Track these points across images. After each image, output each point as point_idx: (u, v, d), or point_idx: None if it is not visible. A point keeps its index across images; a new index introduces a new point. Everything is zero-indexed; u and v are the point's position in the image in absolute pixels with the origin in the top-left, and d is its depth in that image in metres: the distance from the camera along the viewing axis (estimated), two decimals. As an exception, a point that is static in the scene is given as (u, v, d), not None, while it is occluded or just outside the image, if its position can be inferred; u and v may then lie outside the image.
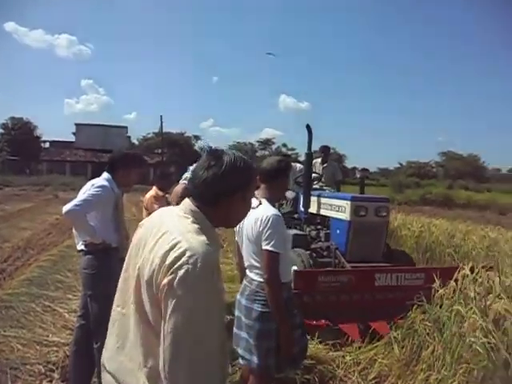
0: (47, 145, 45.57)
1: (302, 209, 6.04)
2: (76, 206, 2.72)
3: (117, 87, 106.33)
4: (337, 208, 5.12)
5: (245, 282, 2.52)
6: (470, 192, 34.73)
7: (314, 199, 5.64)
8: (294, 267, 4.86)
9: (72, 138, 45.45)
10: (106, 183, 2.89)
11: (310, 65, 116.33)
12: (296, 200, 6.51)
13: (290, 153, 52.60)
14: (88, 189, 2.88)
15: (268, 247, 2.25)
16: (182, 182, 4.29)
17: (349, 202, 4.86)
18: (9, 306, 4.60)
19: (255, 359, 2.33)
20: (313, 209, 5.66)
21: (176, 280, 1.05)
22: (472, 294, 3.17)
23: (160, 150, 47.79)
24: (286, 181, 2.62)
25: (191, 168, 4.40)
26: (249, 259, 2.46)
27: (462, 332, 2.92)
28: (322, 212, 5.52)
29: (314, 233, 5.63)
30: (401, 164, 54.01)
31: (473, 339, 2.75)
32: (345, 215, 4.92)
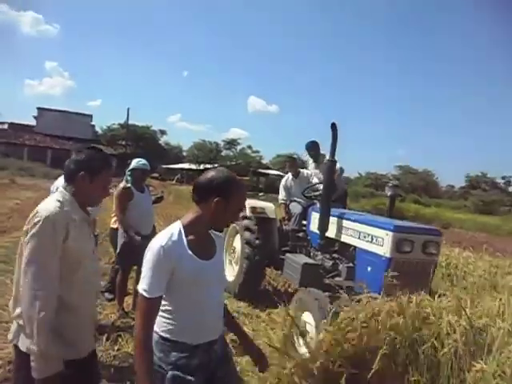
0: (5, 126, 41.96)
1: (312, 229, 4.70)
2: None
3: (83, 73, 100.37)
4: (369, 238, 3.76)
5: None
6: (418, 205, 35.25)
7: (333, 220, 4.30)
8: (309, 317, 3.54)
9: (32, 122, 42.22)
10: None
11: (281, 67, 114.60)
12: (303, 215, 5.17)
13: (253, 155, 51.51)
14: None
15: (139, 288, 1.56)
16: (123, 182, 4.44)
17: (390, 233, 3.51)
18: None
19: None
20: (330, 232, 4.32)
21: (29, 229, 1.64)
22: None
23: (124, 142, 45.47)
24: (221, 207, 1.61)
25: (133, 163, 4.44)
26: None
27: None
28: (345, 239, 4.15)
29: (328, 263, 4.28)
30: (360, 174, 54.06)
31: None
32: (382, 249, 3.57)
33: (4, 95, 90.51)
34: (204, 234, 1.70)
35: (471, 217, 32.41)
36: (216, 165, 46.24)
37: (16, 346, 1.70)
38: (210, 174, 1.66)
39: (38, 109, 42.04)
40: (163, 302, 1.61)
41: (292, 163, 5.92)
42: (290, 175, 5.85)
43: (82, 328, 1.79)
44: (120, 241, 4.36)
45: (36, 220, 1.65)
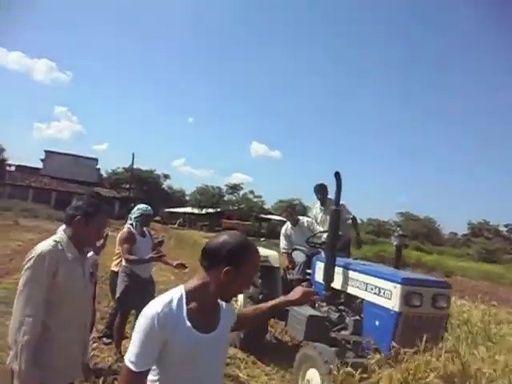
0: (13, 168, 42.56)
1: (317, 279, 4.58)
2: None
3: (91, 117, 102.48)
4: (377, 290, 3.64)
5: None
6: (420, 253, 34.93)
7: (338, 270, 4.19)
8: (315, 374, 3.37)
9: (39, 164, 42.78)
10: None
11: (283, 112, 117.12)
12: (307, 264, 5.06)
13: (256, 200, 51.65)
14: None
15: (125, 358, 1.38)
16: (128, 225, 4.41)
17: (398, 286, 3.38)
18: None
19: None
20: (336, 283, 4.20)
21: (24, 265, 1.93)
22: None
23: (128, 186, 45.87)
24: (231, 277, 1.43)
25: (138, 208, 4.48)
26: None
27: None
28: (351, 291, 4.01)
29: (334, 316, 4.12)
30: (362, 220, 53.96)
31: None
32: (391, 303, 3.43)
33: (13, 138, 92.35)
34: (210, 303, 1.50)
35: (474, 265, 31.96)
36: (218, 209, 46.57)
37: (12, 370, 1.88)
38: (222, 238, 1.48)
39: (46, 152, 42.72)
40: (153, 377, 1.42)
41: (290, 212, 5.86)
42: (288, 224, 5.79)
43: (66, 357, 1.97)
44: (120, 285, 4.33)
45: (31, 256, 1.92)
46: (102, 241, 3.53)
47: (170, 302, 1.39)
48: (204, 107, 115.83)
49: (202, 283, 1.47)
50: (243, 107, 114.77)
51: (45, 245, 1.96)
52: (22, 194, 35.54)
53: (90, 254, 2.26)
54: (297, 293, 1.83)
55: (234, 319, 1.68)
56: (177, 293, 1.44)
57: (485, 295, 8.19)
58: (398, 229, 41.61)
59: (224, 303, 1.59)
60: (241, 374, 4.46)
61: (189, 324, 1.39)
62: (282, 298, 1.88)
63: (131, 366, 1.32)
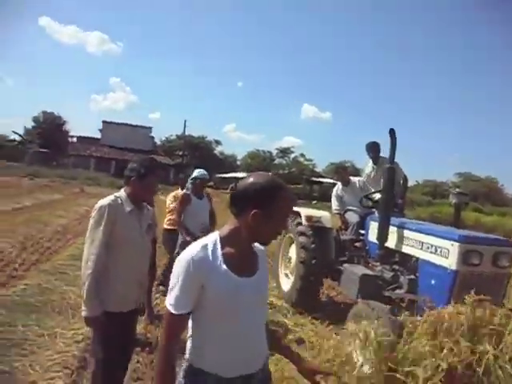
0: (74, 139, 44.97)
1: (371, 239, 4.53)
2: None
3: (143, 87, 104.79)
4: (433, 248, 3.55)
5: None
6: (479, 214, 33.21)
7: (392, 229, 4.11)
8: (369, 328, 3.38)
9: (98, 135, 44.74)
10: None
11: (333, 75, 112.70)
12: (360, 225, 5.01)
13: (306, 163, 51.09)
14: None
15: (166, 301, 1.38)
16: (189, 183, 4.84)
17: (456, 244, 3.28)
18: (63, 272, 5.92)
19: None
20: (390, 242, 4.13)
21: (91, 215, 2.30)
22: None
23: (181, 152, 46.94)
24: (260, 221, 1.35)
25: (194, 172, 4.78)
26: None
27: None
28: (406, 250, 3.94)
29: (388, 275, 4.09)
30: (417, 182, 52.01)
31: None
32: (447, 261, 3.35)
33: (73, 111, 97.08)
34: (245, 248, 1.44)
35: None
36: (270, 173, 46.46)
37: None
38: (248, 180, 1.39)
39: (103, 122, 44.44)
40: (193, 325, 1.41)
41: (340, 173, 5.80)
42: (339, 185, 5.70)
43: (127, 289, 2.32)
44: (179, 241, 4.66)
45: (96, 208, 2.28)
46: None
47: (205, 246, 1.36)
48: (252, 70, 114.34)
49: (235, 228, 1.41)
50: (292, 69, 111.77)
51: (106, 199, 2.30)
52: (84, 163, 37.65)
53: (148, 209, 2.53)
54: (313, 371, 1.63)
55: (266, 260, 1.60)
56: (212, 238, 1.40)
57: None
58: (451, 187, 39.65)
59: (259, 250, 1.52)
60: (286, 321, 4.61)
61: (225, 267, 1.35)
62: (303, 364, 1.64)
63: (171, 309, 1.33)
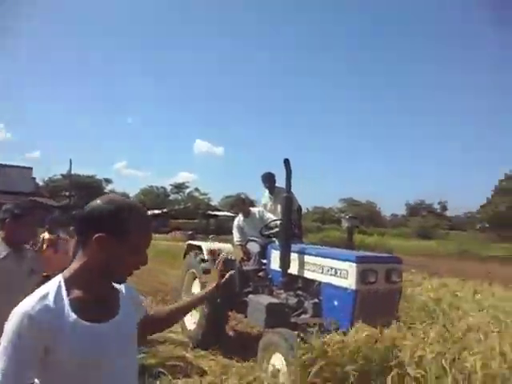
0: None
1: (273, 267, 4.55)
2: None
3: (19, 124, 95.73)
4: (333, 271, 3.67)
5: None
6: (363, 235, 36.60)
7: (293, 256, 4.18)
8: (279, 359, 3.34)
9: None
10: None
11: (224, 110, 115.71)
12: (262, 254, 5.02)
13: (201, 197, 51.18)
14: None
15: None
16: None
17: (353, 264, 3.43)
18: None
19: None
20: (292, 269, 4.19)
21: None
22: None
23: (68, 193, 43.65)
24: (107, 247, 1.14)
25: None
26: None
27: None
28: (308, 275, 4.02)
29: (293, 301, 4.12)
30: (308, 209, 55.38)
31: None
32: (347, 282, 3.48)
33: None
34: (98, 287, 1.19)
35: (412, 243, 34.16)
36: (165, 210, 45.63)
37: None
38: (95, 202, 1.17)
39: (-27, 164, 39.51)
40: None
41: (239, 205, 5.84)
42: (240, 216, 5.74)
43: None
44: None
45: None
46: (39, 244, 3.76)
47: (45, 296, 1.09)
48: (142, 106, 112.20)
49: (82, 264, 1.17)
50: (183, 105, 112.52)
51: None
52: None
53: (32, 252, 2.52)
54: (212, 282, 1.71)
55: (144, 312, 1.39)
56: (53, 284, 1.13)
57: (417, 269, 9.34)
58: (337, 213, 43.07)
59: (124, 289, 1.29)
60: (187, 355, 4.51)
61: (75, 316, 1.09)
62: (198, 293, 1.76)
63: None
